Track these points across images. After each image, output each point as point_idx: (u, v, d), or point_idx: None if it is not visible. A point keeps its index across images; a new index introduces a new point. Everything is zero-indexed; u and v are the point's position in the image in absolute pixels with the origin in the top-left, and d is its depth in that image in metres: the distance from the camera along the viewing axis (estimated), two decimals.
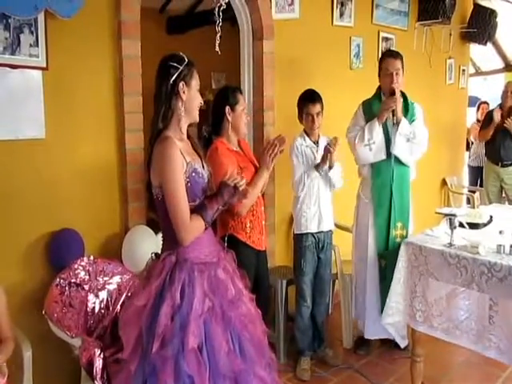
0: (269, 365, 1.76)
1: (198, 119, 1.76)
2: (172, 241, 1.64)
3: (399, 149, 2.65)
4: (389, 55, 2.75)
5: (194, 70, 1.71)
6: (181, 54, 1.72)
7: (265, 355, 1.75)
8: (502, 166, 4.34)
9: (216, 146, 2.31)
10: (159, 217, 1.71)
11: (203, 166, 1.74)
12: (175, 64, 1.66)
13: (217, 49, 2.52)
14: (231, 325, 1.65)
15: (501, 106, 4.48)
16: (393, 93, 2.61)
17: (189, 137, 1.76)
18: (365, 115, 2.73)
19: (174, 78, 1.65)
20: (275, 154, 2.28)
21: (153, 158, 1.65)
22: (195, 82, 1.71)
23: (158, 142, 1.64)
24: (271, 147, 2.27)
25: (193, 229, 1.62)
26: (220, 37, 2.50)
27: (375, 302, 2.76)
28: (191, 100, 1.70)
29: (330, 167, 2.61)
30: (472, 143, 6.09)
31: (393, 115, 2.62)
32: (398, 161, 2.70)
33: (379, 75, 2.76)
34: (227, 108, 2.33)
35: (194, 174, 1.64)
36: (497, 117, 4.30)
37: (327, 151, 2.55)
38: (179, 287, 1.58)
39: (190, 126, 1.77)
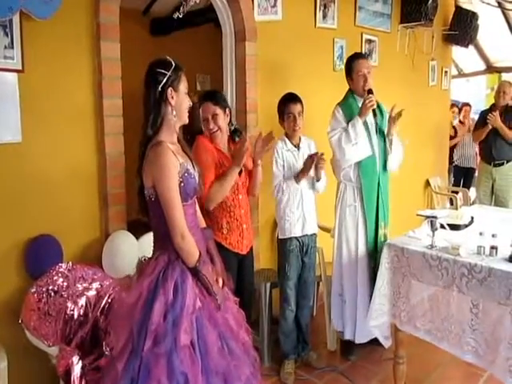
0: (252, 364, 1.80)
1: (187, 121, 1.79)
2: (164, 241, 1.67)
3: (395, 161, 2.82)
4: (359, 57, 2.81)
5: (181, 74, 1.73)
6: (168, 58, 1.73)
7: (249, 354, 1.80)
8: (495, 165, 4.38)
9: (197, 140, 2.35)
10: (151, 217, 1.74)
11: (193, 167, 1.77)
12: (162, 70, 1.69)
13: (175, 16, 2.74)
14: (218, 325, 1.68)
15: (491, 108, 4.52)
16: (369, 91, 2.68)
17: (178, 140, 1.79)
18: (345, 117, 2.74)
19: (161, 84, 1.68)
20: (246, 150, 2.27)
21: (146, 162, 1.68)
22: (183, 86, 1.74)
23: (152, 147, 1.67)
24: (243, 146, 2.28)
25: (190, 241, 1.65)
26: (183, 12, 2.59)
27: (366, 304, 2.74)
28: (180, 104, 1.73)
29: (318, 180, 2.66)
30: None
31: (373, 113, 2.69)
32: (382, 164, 2.77)
33: (351, 78, 2.78)
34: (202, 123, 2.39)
35: (186, 175, 1.68)
36: (495, 122, 4.29)
37: (310, 161, 2.57)
38: (172, 285, 1.61)
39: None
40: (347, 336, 2.85)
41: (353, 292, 2.81)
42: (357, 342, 2.82)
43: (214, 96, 2.41)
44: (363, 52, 3.94)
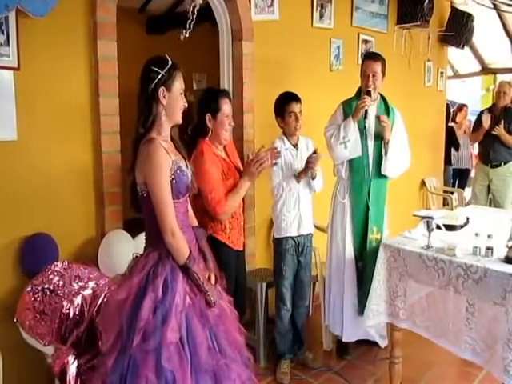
0: (246, 364, 1.78)
1: (180, 121, 1.76)
2: (156, 237, 1.66)
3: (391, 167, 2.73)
4: (368, 57, 2.78)
5: (176, 73, 1.70)
6: (165, 56, 1.71)
7: (242, 354, 1.78)
8: (492, 166, 4.45)
9: (202, 148, 2.30)
10: (143, 214, 1.73)
11: (187, 166, 1.76)
12: (156, 69, 1.67)
13: (181, 37, 2.75)
14: (209, 323, 1.68)
15: (490, 108, 4.55)
16: (367, 93, 2.65)
17: (172, 139, 1.77)
18: (344, 114, 2.75)
19: (154, 83, 1.66)
20: (261, 165, 2.30)
21: (138, 158, 1.67)
22: (178, 85, 1.71)
23: (144, 144, 1.66)
24: (258, 160, 2.29)
25: (180, 239, 1.64)
26: (189, 32, 2.55)
27: (352, 304, 2.77)
28: (173, 104, 1.70)
29: (313, 178, 2.64)
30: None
31: (365, 115, 2.64)
32: (376, 168, 2.74)
33: (361, 76, 2.78)
34: (208, 116, 2.32)
35: (178, 172, 1.67)
36: (486, 122, 4.35)
37: (309, 164, 2.55)
38: (161, 282, 1.61)
39: (172, 127, 1.77)
40: (335, 332, 2.87)
41: (339, 289, 2.82)
42: (344, 340, 2.83)
43: (230, 94, 2.43)
44: (362, 52, 3.94)
